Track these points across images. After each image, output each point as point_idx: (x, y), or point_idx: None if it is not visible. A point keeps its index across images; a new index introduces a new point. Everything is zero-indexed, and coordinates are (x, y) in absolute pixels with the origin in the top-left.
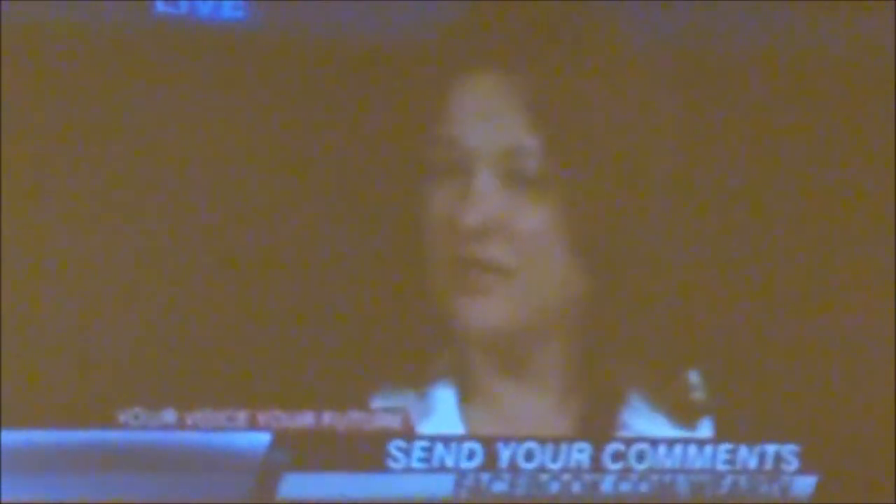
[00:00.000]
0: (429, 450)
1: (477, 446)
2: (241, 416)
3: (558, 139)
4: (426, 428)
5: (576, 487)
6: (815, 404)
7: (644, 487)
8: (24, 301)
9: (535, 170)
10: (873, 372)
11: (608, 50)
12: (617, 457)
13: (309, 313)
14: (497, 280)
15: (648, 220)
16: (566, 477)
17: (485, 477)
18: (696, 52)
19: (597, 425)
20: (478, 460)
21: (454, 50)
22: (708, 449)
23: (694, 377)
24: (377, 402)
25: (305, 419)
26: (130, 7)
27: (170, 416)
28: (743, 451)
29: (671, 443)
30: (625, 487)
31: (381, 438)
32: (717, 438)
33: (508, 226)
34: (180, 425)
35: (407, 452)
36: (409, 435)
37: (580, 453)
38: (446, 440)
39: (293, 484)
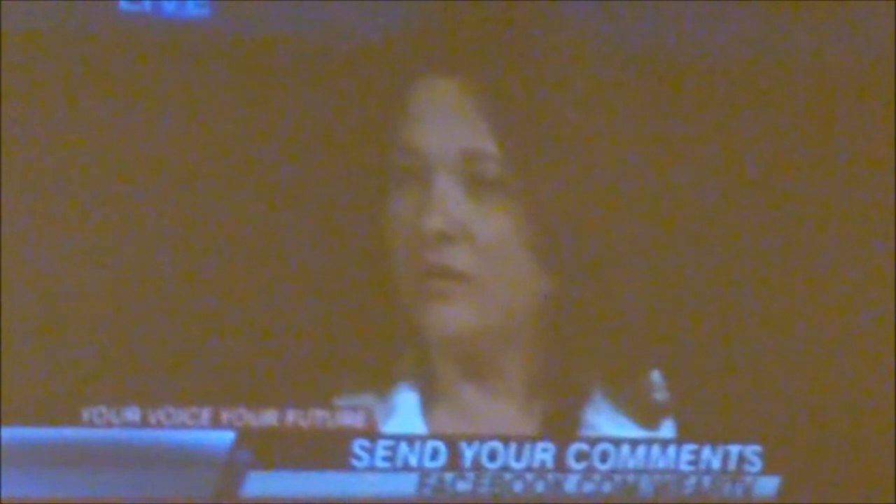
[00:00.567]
0: (392, 449)
1: (441, 445)
2: (205, 413)
3: (517, 143)
4: (389, 428)
5: (539, 487)
6: (777, 405)
7: (607, 487)
8: None
9: (494, 174)
10: (836, 372)
11: (567, 55)
12: (580, 457)
13: (273, 313)
14: (459, 286)
15: (609, 222)
16: (530, 477)
17: (448, 476)
18: (655, 56)
19: (560, 426)
20: (441, 460)
21: (413, 54)
22: (671, 449)
23: (656, 377)
24: (339, 403)
25: (269, 417)
26: (95, 5)
27: (133, 413)
28: (706, 451)
29: (634, 443)
30: (588, 487)
31: (345, 437)
32: (680, 439)
33: (469, 230)
34: (144, 423)
35: (370, 451)
36: (372, 434)
37: (544, 453)
38: (410, 439)
39: (257, 482)
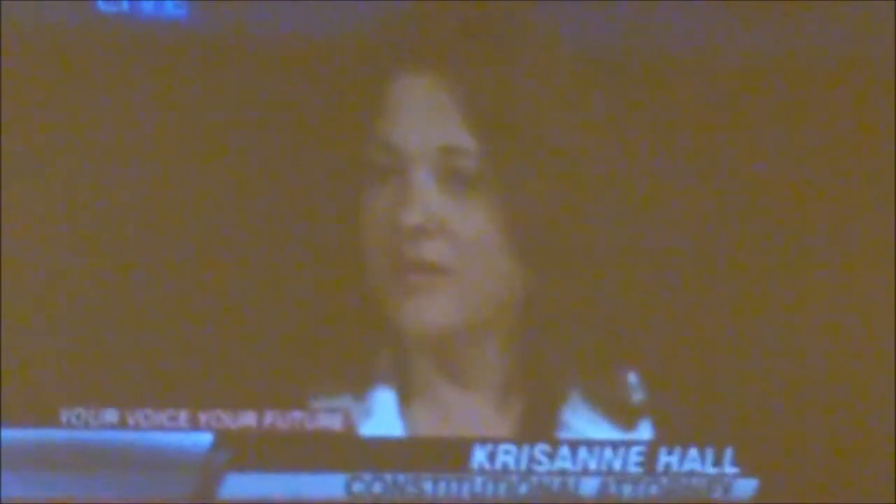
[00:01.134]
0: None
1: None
2: (183, 415)
3: (495, 139)
4: (367, 429)
5: (523, 489)
6: (755, 407)
7: (583, 488)
8: None
9: (472, 169)
10: (816, 376)
11: (544, 51)
12: (556, 457)
13: (251, 315)
14: (436, 280)
15: (588, 220)
16: (511, 478)
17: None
18: (634, 52)
19: (536, 426)
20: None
21: (391, 51)
22: (647, 450)
23: (633, 379)
24: (317, 404)
25: (247, 419)
26: (73, 5)
27: (112, 415)
28: (682, 452)
29: (610, 444)
30: (564, 488)
31: (323, 439)
32: (657, 440)
33: (447, 225)
34: (122, 425)
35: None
36: (350, 436)
37: (520, 453)
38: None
39: (235, 484)
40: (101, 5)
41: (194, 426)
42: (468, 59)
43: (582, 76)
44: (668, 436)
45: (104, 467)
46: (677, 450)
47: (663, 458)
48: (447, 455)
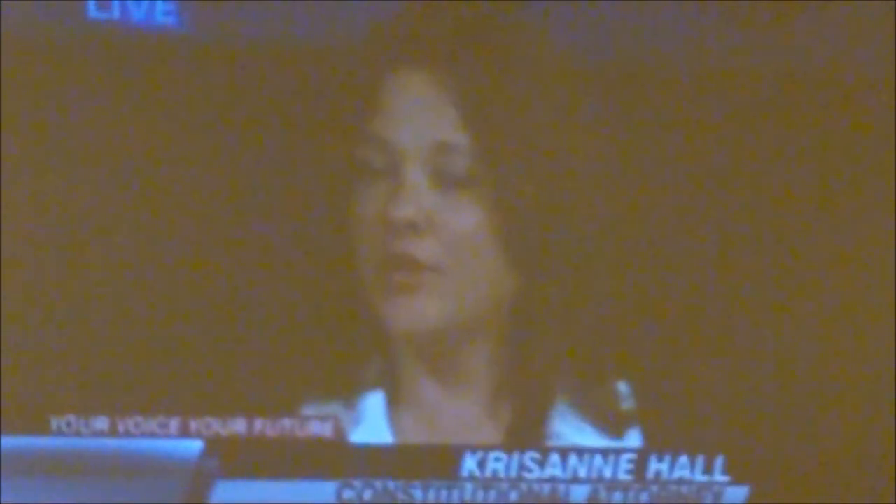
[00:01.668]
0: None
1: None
2: (173, 423)
3: (488, 137)
4: (357, 436)
5: (512, 496)
6: (746, 415)
7: (573, 496)
8: None
9: (464, 167)
10: (806, 382)
11: (539, 51)
12: (545, 464)
13: (241, 321)
14: (426, 278)
15: (578, 224)
16: (501, 485)
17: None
18: (631, 54)
19: (525, 433)
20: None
21: (385, 48)
22: (637, 458)
23: (622, 387)
24: (307, 411)
25: (237, 426)
26: (63, 11)
27: (102, 422)
28: (672, 460)
29: (600, 451)
30: (554, 495)
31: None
32: (647, 448)
33: (438, 223)
34: (113, 432)
35: None
36: (341, 443)
37: (510, 461)
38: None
39: (225, 491)
40: (92, 12)
41: (185, 433)
42: (463, 58)
43: (576, 77)
44: (659, 443)
45: (94, 475)
46: (667, 457)
47: (653, 466)
48: (437, 462)
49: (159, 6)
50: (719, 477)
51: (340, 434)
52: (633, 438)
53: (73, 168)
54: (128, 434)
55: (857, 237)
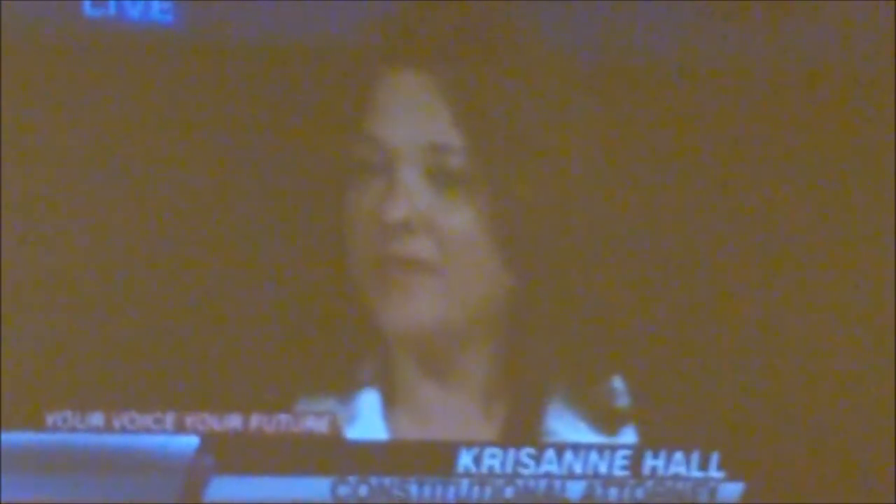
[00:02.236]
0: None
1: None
2: (169, 418)
3: (482, 138)
4: (352, 432)
5: (507, 492)
6: (741, 411)
7: (568, 492)
8: None
9: (458, 167)
10: (802, 378)
11: (533, 50)
12: (540, 461)
13: (237, 316)
14: (421, 277)
15: (573, 222)
16: (497, 481)
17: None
18: (627, 55)
19: (520, 430)
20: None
21: (380, 48)
22: (633, 454)
23: (618, 384)
24: (303, 407)
25: (233, 422)
26: (60, 8)
27: (98, 418)
28: (668, 456)
29: (596, 448)
30: (550, 491)
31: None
32: (643, 444)
33: (433, 222)
34: (108, 428)
35: None
36: (336, 440)
37: (504, 456)
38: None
39: (221, 487)
40: (88, 9)
41: (180, 429)
42: (458, 58)
43: (570, 77)
44: (654, 439)
45: (90, 470)
46: (663, 454)
47: (649, 462)
48: (433, 458)
49: (155, 4)
50: (715, 473)
51: (336, 430)
52: (629, 435)
53: (69, 166)
54: (123, 430)
55: (853, 234)
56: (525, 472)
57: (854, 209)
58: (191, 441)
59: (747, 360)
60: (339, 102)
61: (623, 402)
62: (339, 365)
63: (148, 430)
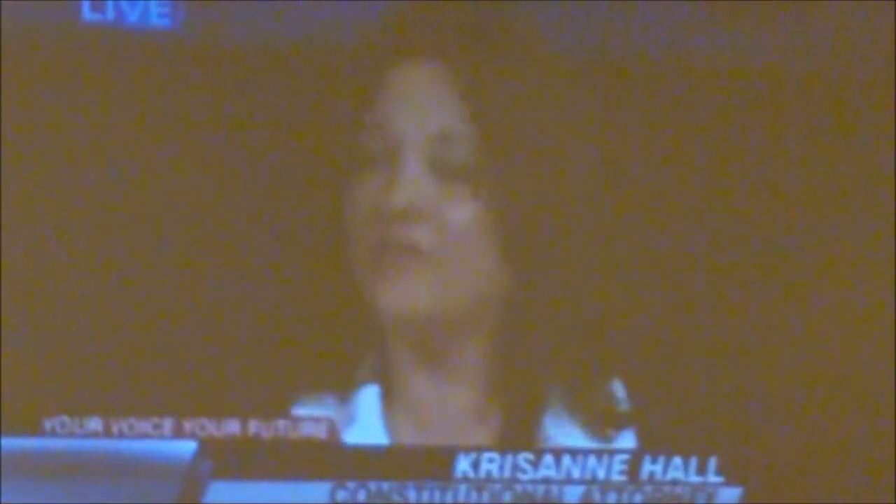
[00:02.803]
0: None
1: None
2: (167, 423)
3: (492, 130)
4: (350, 435)
5: (506, 497)
6: (740, 416)
7: (566, 496)
8: None
9: (463, 159)
10: (800, 383)
11: (544, 44)
12: (539, 465)
13: (236, 320)
14: (419, 263)
15: (575, 222)
16: (495, 486)
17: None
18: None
19: (518, 434)
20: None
21: (387, 41)
22: (631, 459)
23: (618, 389)
24: (300, 408)
25: (231, 427)
26: (58, 13)
27: (96, 423)
28: (666, 461)
29: (594, 453)
30: (548, 496)
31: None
32: (641, 449)
33: (437, 211)
34: (107, 433)
35: None
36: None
37: (502, 461)
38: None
39: (219, 492)
40: (86, 14)
41: (179, 434)
42: (467, 50)
43: (582, 73)
44: (652, 444)
45: (88, 476)
46: (661, 458)
47: (647, 467)
48: (431, 463)
49: (153, 8)
50: (713, 478)
51: (334, 435)
52: (627, 439)
53: (68, 170)
54: (121, 435)
55: (853, 236)
56: (523, 477)
57: (859, 212)
58: (189, 446)
59: (746, 364)
60: (340, 102)
61: (621, 406)
62: (336, 368)
63: (146, 435)
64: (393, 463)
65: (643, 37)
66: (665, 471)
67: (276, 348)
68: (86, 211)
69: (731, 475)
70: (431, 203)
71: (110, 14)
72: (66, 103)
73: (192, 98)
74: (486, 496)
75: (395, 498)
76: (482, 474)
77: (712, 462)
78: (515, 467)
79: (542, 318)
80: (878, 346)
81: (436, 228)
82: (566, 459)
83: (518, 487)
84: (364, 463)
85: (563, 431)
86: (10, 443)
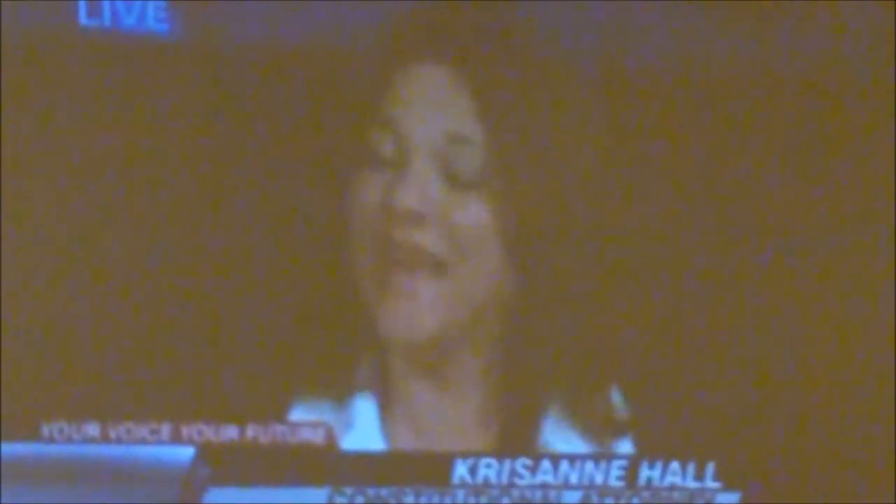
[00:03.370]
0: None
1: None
2: (165, 429)
3: (503, 135)
4: (348, 441)
5: (504, 502)
6: (737, 421)
7: (564, 502)
8: None
9: (473, 163)
10: (798, 388)
11: (556, 49)
12: (537, 471)
13: (234, 326)
14: (424, 276)
15: (580, 230)
16: (492, 492)
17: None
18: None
19: (517, 440)
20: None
21: (399, 44)
22: (629, 464)
23: (616, 397)
24: (297, 413)
25: (229, 433)
26: (54, 19)
27: (94, 429)
28: (664, 466)
29: (592, 458)
30: (545, 501)
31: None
32: (639, 454)
33: (444, 215)
34: (104, 438)
35: None
36: (332, 450)
37: (501, 467)
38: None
39: (217, 498)
40: (83, 19)
41: (176, 440)
42: (478, 53)
43: (592, 80)
44: (650, 449)
45: (86, 481)
46: (658, 464)
47: (645, 472)
48: (429, 469)
49: (150, 12)
50: (711, 483)
51: (332, 441)
52: (625, 445)
53: (67, 175)
54: (119, 440)
55: (852, 242)
56: (521, 482)
57: (858, 216)
58: (187, 451)
59: (743, 370)
60: (346, 106)
61: (620, 412)
62: (334, 370)
63: (144, 441)
64: (390, 468)
65: (654, 40)
66: (663, 476)
67: (273, 354)
68: (84, 218)
69: (728, 480)
70: (440, 206)
71: (107, 18)
72: (64, 108)
73: (190, 101)
74: (483, 501)
75: (393, 503)
76: (480, 480)
77: (710, 467)
78: (513, 472)
79: (540, 325)
80: (876, 353)
81: (443, 233)
82: (564, 465)
83: (515, 493)
84: (361, 468)
85: (562, 438)
86: (9, 448)
